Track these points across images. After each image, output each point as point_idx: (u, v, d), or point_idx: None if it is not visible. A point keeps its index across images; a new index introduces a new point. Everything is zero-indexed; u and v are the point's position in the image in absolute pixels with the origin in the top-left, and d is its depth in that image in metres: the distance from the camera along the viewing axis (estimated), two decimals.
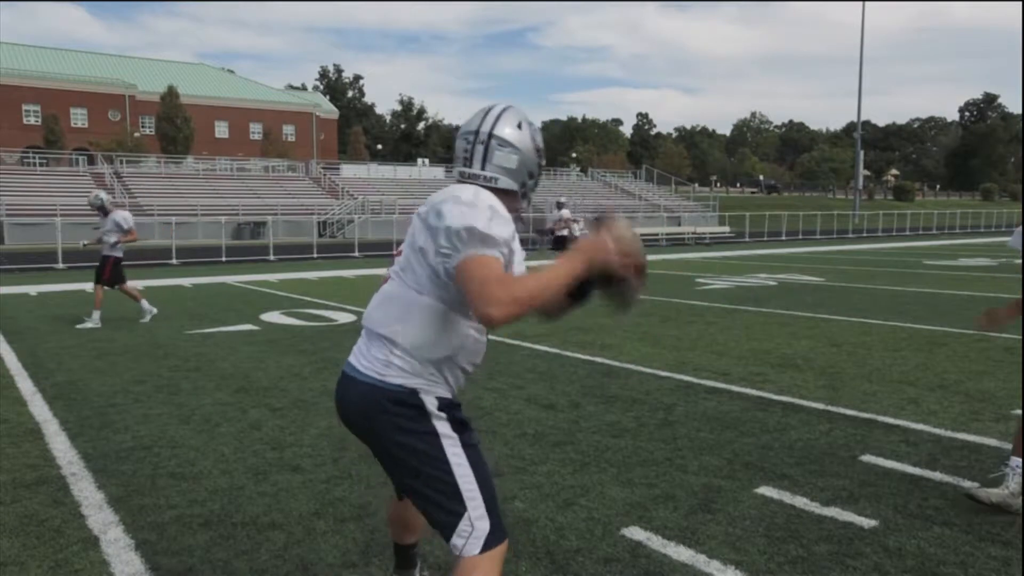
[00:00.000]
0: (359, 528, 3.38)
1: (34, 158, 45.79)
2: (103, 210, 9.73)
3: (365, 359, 2.13)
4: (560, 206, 16.80)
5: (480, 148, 2.14)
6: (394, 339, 2.08)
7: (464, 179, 2.15)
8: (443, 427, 2.12)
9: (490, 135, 2.13)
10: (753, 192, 79.63)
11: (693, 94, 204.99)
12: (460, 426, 2.17)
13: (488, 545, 2.09)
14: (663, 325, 9.21)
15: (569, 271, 1.98)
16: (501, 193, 2.12)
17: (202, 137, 62.66)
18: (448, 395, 2.18)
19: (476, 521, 2.08)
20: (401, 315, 2.08)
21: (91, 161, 45.63)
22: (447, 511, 2.08)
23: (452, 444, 2.12)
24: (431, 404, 2.11)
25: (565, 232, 16.62)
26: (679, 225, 40.13)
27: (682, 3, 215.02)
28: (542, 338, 8.18)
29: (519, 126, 2.16)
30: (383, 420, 2.09)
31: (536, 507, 3.60)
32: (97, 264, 9.90)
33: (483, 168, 2.14)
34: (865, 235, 38.65)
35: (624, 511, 3.55)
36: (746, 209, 44.88)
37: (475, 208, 1.96)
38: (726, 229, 38.78)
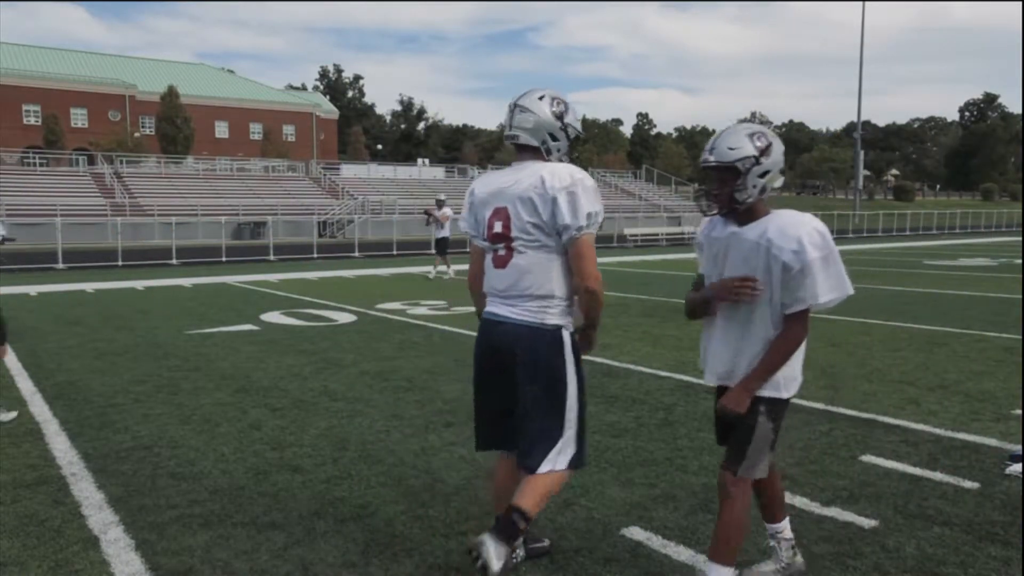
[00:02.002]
0: (359, 528, 3.38)
1: (34, 158, 45.79)
2: None
3: (521, 310, 2.82)
4: (440, 204, 15.99)
5: (508, 114, 2.88)
6: (553, 294, 2.79)
7: (509, 141, 2.91)
8: (570, 355, 2.85)
9: (515, 104, 2.88)
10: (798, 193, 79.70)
11: (693, 94, 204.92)
12: (577, 355, 2.89)
13: (571, 465, 2.85)
14: (663, 325, 9.21)
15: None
16: (523, 148, 2.87)
17: (202, 137, 62.64)
18: (572, 328, 2.90)
19: (566, 446, 2.84)
20: (550, 276, 2.79)
21: (91, 161, 45.64)
22: (549, 432, 2.81)
23: (572, 373, 2.85)
24: (567, 338, 2.84)
25: (445, 233, 15.85)
26: (679, 225, 40.13)
27: (682, 3, 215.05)
28: None
29: (540, 98, 2.84)
30: (540, 350, 2.79)
31: None
32: None
33: (510, 129, 2.87)
34: (865, 235, 38.66)
35: (624, 511, 3.56)
36: None
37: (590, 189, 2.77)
38: None
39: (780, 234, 2.50)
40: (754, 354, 2.58)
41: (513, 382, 2.83)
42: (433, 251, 16.97)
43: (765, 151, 2.51)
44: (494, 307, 2.90)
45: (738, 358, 2.63)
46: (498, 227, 2.82)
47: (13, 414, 5.27)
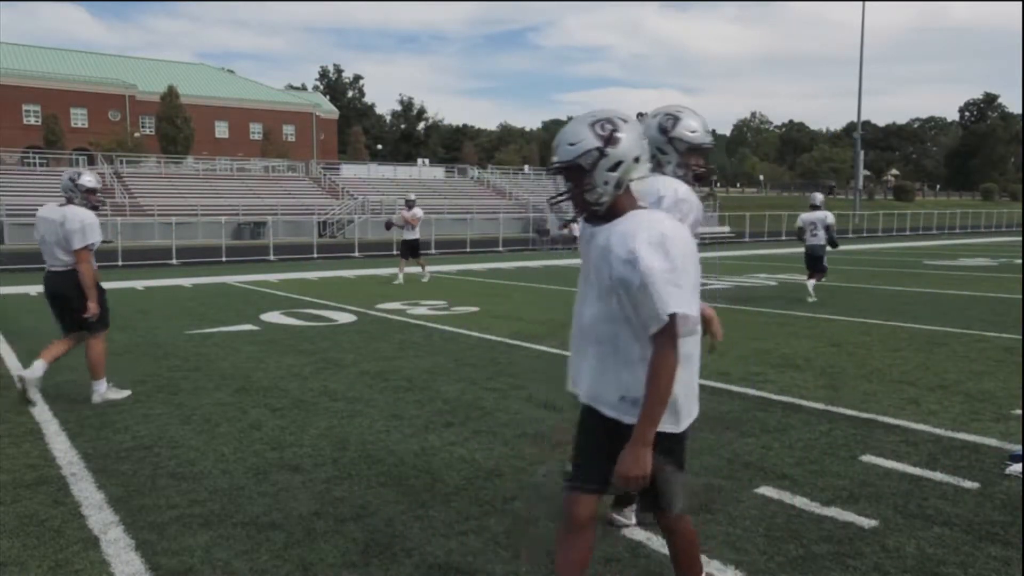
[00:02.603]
0: (359, 528, 3.38)
1: (34, 158, 45.81)
2: None
3: None
4: (411, 204, 15.25)
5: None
6: None
7: None
8: None
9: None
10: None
11: (693, 94, 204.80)
12: None
13: None
14: None
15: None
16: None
17: (202, 137, 62.64)
18: None
19: None
20: None
21: (91, 161, 45.59)
22: None
23: None
24: None
25: (416, 236, 15.22)
26: None
27: (682, 3, 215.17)
28: (543, 338, 8.19)
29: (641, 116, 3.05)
30: None
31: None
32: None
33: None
34: (865, 235, 38.67)
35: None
36: (746, 209, 44.86)
37: None
38: (726, 229, 38.78)
39: (619, 240, 2.15)
40: (622, 381, 2.23)
41: None
42: (397, 253, 15.80)
43: (610, 140, 2.17)
44: None
45: (599, 381, 2.29)
46: None
47: (127, 392, 5.70)
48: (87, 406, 5.52)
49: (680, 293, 2.11)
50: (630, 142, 2.20)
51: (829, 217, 11.95)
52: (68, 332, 5.72)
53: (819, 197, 12.48)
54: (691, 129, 3.03)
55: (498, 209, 38.85)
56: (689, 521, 2.50)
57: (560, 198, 2.29)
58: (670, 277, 2.09)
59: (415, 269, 15.59)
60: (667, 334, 2.12)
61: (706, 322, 3.00)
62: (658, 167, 3.02)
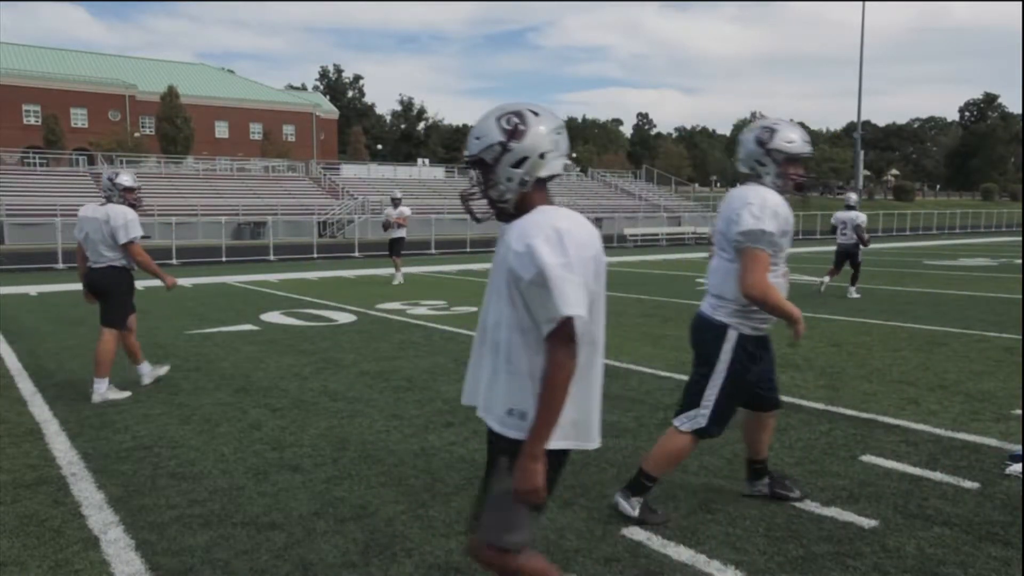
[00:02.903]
0: (359, 528, 3.38)
1: (34, 158, 45.82)
2: None
3: (709, 306, 3.44)
4: (396, 203, 15.07)
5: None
6: (723, 295, 3.35)
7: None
8: (727, 355, 3.34)
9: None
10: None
11: (693, 94, 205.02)
12: (746, 356, 3.36)
13: (697, 434, 3.42)
14: (663, 325, 9.21)
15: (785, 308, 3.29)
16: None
17: (202, 137, 62.65)
18: (749, 332, 3.35)
19: (699, 416, 3.40)
20: (724, 278, 3.33)
21: (91, 161, 45.64)
22: (691, 398, 3.44)
23: (723, 367, 3.36)
24: (732, 337, 3.34)
25: (402, 234, 15.07)
26: (679, 225, 40.15)
27: (682, 3, 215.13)
28: None
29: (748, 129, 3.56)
30: (706, 340, 3.43)
31: None
32: None
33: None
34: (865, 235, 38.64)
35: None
36: None
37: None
38: None
39: (517, 236, 2.01)
40: (512, 392, 2.06)
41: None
42: (389, 254, 15.71)
43: (514, 134, 2.01)
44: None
45: (491, 391, 2.13)
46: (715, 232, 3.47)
47: (127, 393, 5.84)
48: (87, 406, 5.52)
49: (575, 294, 1.92)
50: (536, 137, 2.03)
51: (860, 218, 12.55)
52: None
53: (853, 197, 12.90)
54: (788, 140, 3.30)
55: None
56: (506, 560, 2.13)
57: (469, 193, 2.14)
58: (564, 274, 1.91)
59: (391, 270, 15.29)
60: (561, 338, 1.95)
61: (791, 320, 3.22)
62: (757, 178, 3.30)
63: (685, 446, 3.43)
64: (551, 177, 2.10)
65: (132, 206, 5.94)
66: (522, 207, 2.08)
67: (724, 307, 3.35)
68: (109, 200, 5.90)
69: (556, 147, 2.07)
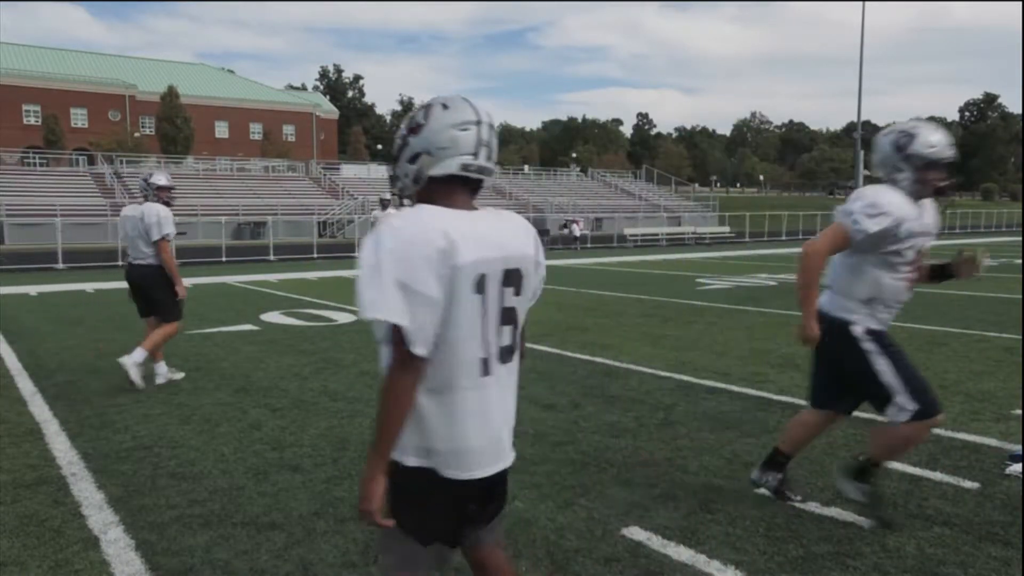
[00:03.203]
0: (359, 528, 3.38)
1: (34, 158, 45.83)
2: None
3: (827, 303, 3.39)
4: (385, 204, 14.50)
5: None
6: (846, 293, 3.34)
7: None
8: (866, 345, 3.28)
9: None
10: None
11: (693, 94, 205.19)
12: (881, 342, 3.28)
13: (915, 418, 3.20)
14: (663, 325, 9.21)
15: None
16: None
17: (202, 137, 62.67)
18: (875, 326, 3.32)
19: (903, 405, 3.20)
20: (846, 277, 3.36)
21: (91, 161, 45.65)
22: (882, 393, 3.26)
23: (875, 355, 3.26)
24: (858, 331, 3.29)
25: None
26: (679, 225, 40.15)
27: (682, 3, 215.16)
28: (542, 338, 8.19)
29: (884, 135, 3.42)
30: (826, 334, 3.32)
31: (536, 507, 3.60)
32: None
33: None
34: None
35: (624, 511, 3.55)
36: (746, 209, 44.88)
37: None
38: (726, 229, 38.80)
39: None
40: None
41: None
42: None
43: (415, 129, 1.87)
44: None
45: None
46: None
47: (181, 374, 6.31)
48: (87, 406, 5.52)
49: (378, 296, 1.70)
50: (431, 132, 1.85)
51: None
52: (144, 316, 6.41)
53: None
54: (929, 145, 3.22)
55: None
56: None
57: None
58: (367, 275, 1.73)
59: None
60: (389, 347, 1.77)
61: (804, 312, 3.32)
62: (893, 183, 3.25)
63: (912, 433, 3.27)
64: (458, 178, 1.85)
65: (167, 204, 6.27)
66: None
67: (842, 303, 3.35)
68: (146, 199, 6.23)
69: (453, 144, 1.84)
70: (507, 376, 1.92)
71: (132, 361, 5.99)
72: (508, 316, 1.88)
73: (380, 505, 1.85)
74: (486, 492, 1.93)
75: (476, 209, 1.89)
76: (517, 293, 1.90)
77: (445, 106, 1.87)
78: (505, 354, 1.89)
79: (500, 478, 1.94)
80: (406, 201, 1.93)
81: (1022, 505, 3.56)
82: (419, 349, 1.72)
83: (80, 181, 39.07)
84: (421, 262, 1.71)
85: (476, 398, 1.84)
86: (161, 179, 6.31)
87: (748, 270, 17.91)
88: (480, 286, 1.78)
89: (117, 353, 7.50)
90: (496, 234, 1.85)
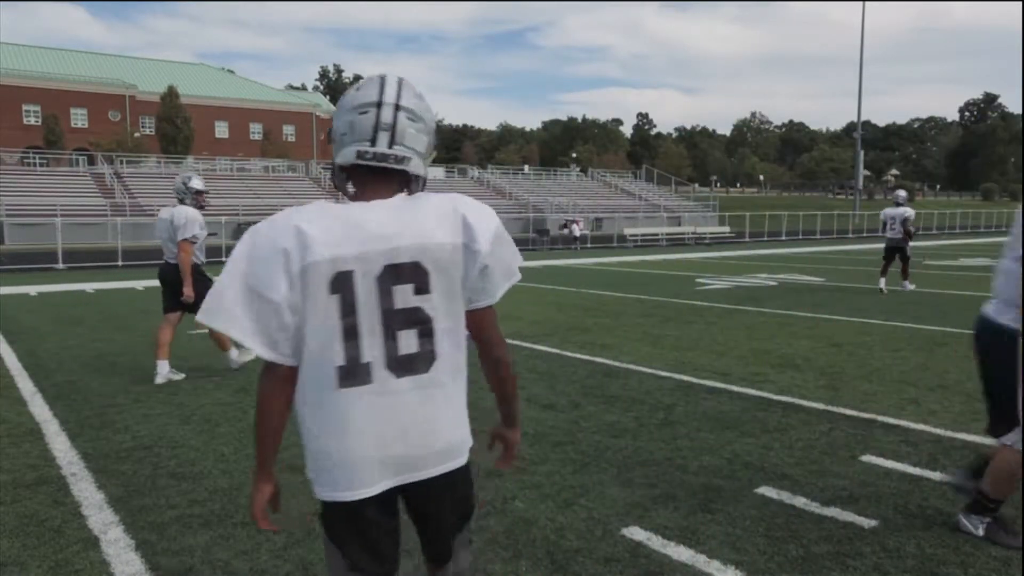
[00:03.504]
0: None
1: (34, 158, 45.82)
2: None
3: (995, 311, 3.23)
4: None
5: None
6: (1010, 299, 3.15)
7: None
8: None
9: None
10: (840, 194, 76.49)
11: (693, 94, 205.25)
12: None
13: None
14: (663, 325, 9.21)
15: None
16: None
17: (202, 137, 62.64)
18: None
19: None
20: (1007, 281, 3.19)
21: (91, 161, 45.64)
22: (1009, 414, 3.14)
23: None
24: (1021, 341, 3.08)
25: None
26: (679, 225, 40.15)
27: (682, 3, 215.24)
28: (542, 338, 8.18)
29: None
30: (990, 344, 3.23)
31: (536, 507, 3.60)
32: None
33: None
34: (865, 235, 38.63)
35: (624, 511, 3.55)
36: (746, 209, 44.89)
37: None
38: (726, 229, 38.81)
39: None
40: None
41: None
42: None
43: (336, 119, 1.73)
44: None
45: None
46: None
47: (181, 375, 6.46)
48: (87, 406, 5.52)
49: (216, 304, 1.61)
50: (336, 118, 1.70)
51: (908, 212, 12.89)
52: (168, 312, 6.54)
53: (902, 195, 13.32)
54: None
55: (498, 209, 38.55)
56: None
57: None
58: (219, 279, 1.63)
59: None
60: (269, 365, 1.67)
61: None
62: None
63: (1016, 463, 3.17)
64: (361, 167, 1.66)
65: (201, 207, 6.51)
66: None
67: (1009, 311, 3.19)
68: (181, 202, 6.43)
69: (351, 130, 1.64)
70: (413, 389, 1.68)
71: (234, 357, 6.72)
72: (406, 318, 1.63)
73: (263, 511, 1.87)
74: (388, 511, 1.76)
75: (393, 198, 1.67)
76: (421, 291, 1.64)
77: (358, 88, 1.69)
78: (406, 363, 1.65)
79: (423, 493, 1.77)
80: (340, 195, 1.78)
81: (1022, 505, 3.55)
82: (268, 355, 1.62)
83: (80, 181, 39.06)
84: (267, 264, 1.58)
85: (346, 408, 1.67)
86: (199, 183, 6.52)
87: (748, 270, 17.91)
88: (337, 286, 1.59)
89: (117, 353, 7.51)
90: (387, 226, 1.61)
